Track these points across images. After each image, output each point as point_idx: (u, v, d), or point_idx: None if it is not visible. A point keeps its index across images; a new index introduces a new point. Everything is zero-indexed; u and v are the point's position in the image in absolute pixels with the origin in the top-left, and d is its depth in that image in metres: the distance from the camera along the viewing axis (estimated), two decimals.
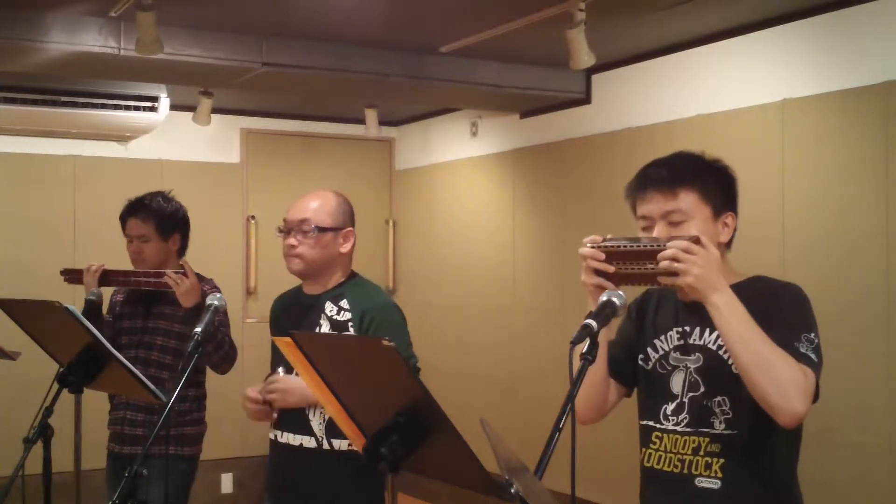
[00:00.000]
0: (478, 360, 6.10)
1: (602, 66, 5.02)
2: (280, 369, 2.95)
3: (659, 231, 2.13)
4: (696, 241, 1.97)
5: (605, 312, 1.92)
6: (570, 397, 1.79)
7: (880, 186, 3.74)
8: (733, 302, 1.97)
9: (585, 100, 5.33)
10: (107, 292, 3.85)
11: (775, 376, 1.94)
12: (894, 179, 3.70)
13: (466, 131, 6.37)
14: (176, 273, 3.48)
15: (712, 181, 2.19)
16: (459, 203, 6.39)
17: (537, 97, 5.37)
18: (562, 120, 5.50)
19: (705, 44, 4.57)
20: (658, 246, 1.98)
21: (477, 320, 6.13)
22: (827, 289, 3.89)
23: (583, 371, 1.83)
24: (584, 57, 4.06)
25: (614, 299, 1.93)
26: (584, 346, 1.84)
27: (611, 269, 2.03)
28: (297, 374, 2.89)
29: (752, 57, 4.33)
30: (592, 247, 2.06)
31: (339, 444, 2.82)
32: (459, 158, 6.42)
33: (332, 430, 2.80)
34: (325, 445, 2.83)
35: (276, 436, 2.94)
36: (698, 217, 2.14)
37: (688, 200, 2.14)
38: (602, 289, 2.05)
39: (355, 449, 2.74)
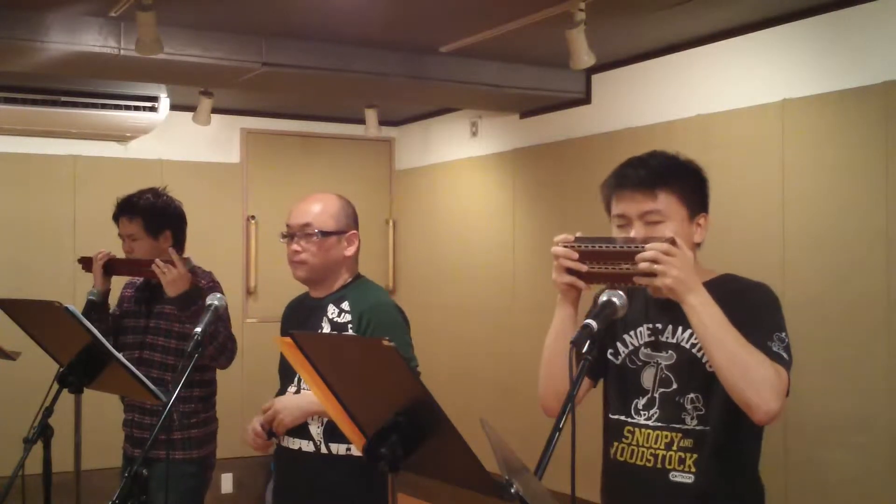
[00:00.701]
0: (478, 361, 6.10)
1: (602, 66, 5.02)
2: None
3: (636, 231, 2.15)
4: (672, 242, 2.00)
5: (604, 312, 1.93)
6: (570, 397, 1.80)
7: (880, 186, 3.74)
8: (709, 302, 2.01)
9: (585, 100, 5.33)
10: (119, 284, 3.83)
11: (751, 375, 1.98)
12: (894, 179, 3.70)
13: (466, 131, 6.37)
14: (165, 262, 3.46)
15: (690, 183, 2.22)
16: (459, 203, 6.39)
17: (537, 97, 5.37)
18: (562, 120, 5.50)
19: (705, 44, 4.57)
20: (636, 247, 1.99)
21: (477, 320, 6.13)
22: (827, 289, 3.89)
23: (582, 371, 1.84)
24: (584, 57, 4.06)
25: (614, 299, 1.95)
26: (585, 346, 1.85)
27: (583, 268, 2.06)
28: (295, 386, 2.90)
29: (752, 57, 4.33)
30: (566, 246, 2.08)
31: (337, 449, 2.81)
32: (459, 158, 6.42)
33: (331, 434, 2.80)
34: (324, 450, 2.82)
35: (278, 439, 2.95)
36: (675, 218, 2.16)
37: (666, 201, 2.16)
38: (573, 287, 2.10)
39: (354, 454, 2.75)
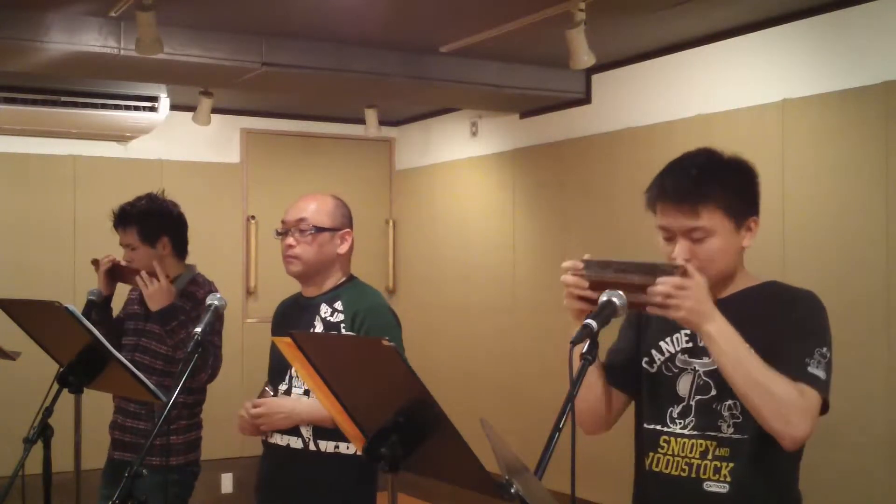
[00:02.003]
0: (478, 361, 6.10)
1: (602, 66, 5.02)
2: (267, 388, 2.95)
3: (681, 247, 2.08)
4: (683, 272, 1.95)
5: (604, 313, 1.91)
6: (570, 398, 1.79)
7: (880, 186, 3.74)
8: (726, 330, 1.96)
9: (585, 100, 5.33)
10: (125, 289, 3.81)
11: (773, 402, 1.94)
12: (894, 179, 3.70)
13: (466, 131, 6.37)
14: (150, 275, 3.45)
15: (735, 191, 2.12)
16: (459, 203, 6.39)
17: (537, 97, 5.37)
18: (562, 120, 5.50)
19: (705, 44, 4.57)
20: (647, 281, 1.94)
21: (477, 320, 6.13)
22: (827, 289, 3.86)
23: (583, 371, 1.83)
24: (584, 57, 4.06)
25: (614, 299, 1.92)
26: (585, 346, 1.84)
27: (594, 296, 1.99)
28: (284, 394, 2.90)
29: (752, 57, 4.33)
30: (575, 275, 2.03)
31: (326, 446, 2.81)
32: (459, 158, 6.42)
33: (320, 431, 2.80)
34: (312, 447, 2.83)
35: (265, 436, 2.95)
36: (721, 232, 2.09)
37: (710, 217, 2.08)
38: (584, 312, 2.03)
39: (342, 451, 2.76)
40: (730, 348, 1.96)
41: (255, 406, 2.88)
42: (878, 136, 3.76)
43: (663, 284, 1.93)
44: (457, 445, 1.77)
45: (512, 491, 1.62)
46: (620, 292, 1.95)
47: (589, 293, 2.01)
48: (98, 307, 3.68)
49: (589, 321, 1.86)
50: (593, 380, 2.20)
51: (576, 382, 1.81)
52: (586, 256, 2.05)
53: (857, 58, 3.89)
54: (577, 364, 1.84)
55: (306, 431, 2.84)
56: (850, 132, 3.88)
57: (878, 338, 3.73)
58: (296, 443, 2.85)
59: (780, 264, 4.06)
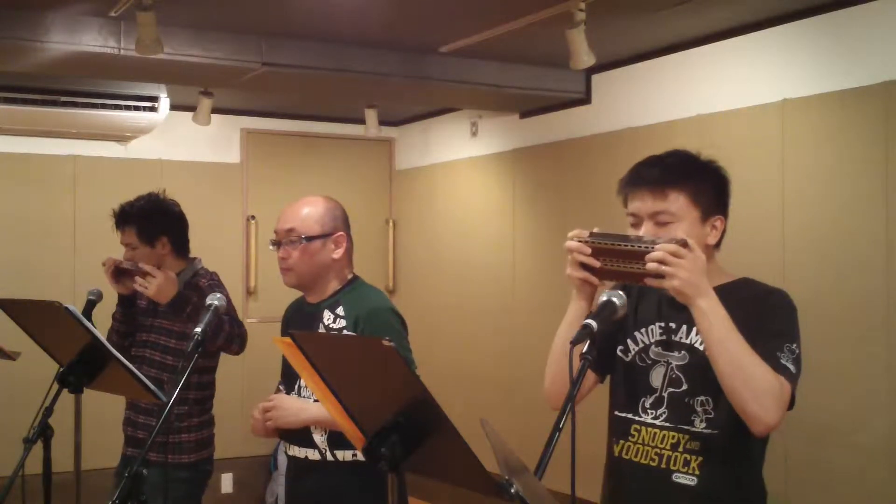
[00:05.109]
0: (478, 360, 6.10)
1: (602, 66, 5.02)
2: (281, 387, 2.95)
3: (646, 230, 2.15)
4: (684, 244, 1.98)
5: (604, 313, 1.93)
6: (570, 397, 1.80)
7: (880, 186, 3.74)
8: (717, 307, 1.99)
9: (585, 100, 5.33)
10: None
11: (753, 385, 1.97)
12: (894, 179, 3.70)
13: (466, 131, 6.37)
14: (142, 275, 3.47)
15: (704, 183, 2.19)
16: (459, 203, 6.39)
17: (537, 97, 5.37)
18: (562, 120, 5.50)
19: (705, 44, 4.57)
20: (647, 248, 1.99)
21: (477, 320, 6.13)
22: (826, 289, 3.89)
23: (583, 371, 1.84)
24: (584, 57, 4.06)
25: (614, 299, 1.94)
26: (584, 346, 1.85)
27: (596, 264, 2.06)
28: (295, 393, 2.90)
29: (752, 57, 4.33)
30: (579, 241, 2.08)
31: (343, 455, 2.79)
32: (459, 158, 6.42)
33: (335, 441, 2.79)
34: (329, 457, 2.81)
35: (285, 448, 2.95)
36: (686, 219, 2.15)
37: (677, 202, 2.15)
38: (587, 282, 2.10)
39: (360, 458, 2.72)
40: (719, 326, 1.99)
41: (266, 401, 2.87)
42: (878, 136, 3.76)
43: (660, 251, 1.97)
44: (457, 445, 1.77)
45: (512, 491, 1.62)
46: (620, 292, 1.96)
47: (591, 260, 2.06)
48: (122, 309, 3.70)
49: (588, 321, 1.87)
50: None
51: (576, 382, 1.82)
52: (595, 229, 2.08)
53: (857, 58, 3.89)
54: (576, 364, 1.85)
55: (321, 442, 2.82)
56: (850, 132, 3.88)
57: (878, 338, 3.73)
58: (313, 454, 2.83)
59: (779, 264, 4.06)
